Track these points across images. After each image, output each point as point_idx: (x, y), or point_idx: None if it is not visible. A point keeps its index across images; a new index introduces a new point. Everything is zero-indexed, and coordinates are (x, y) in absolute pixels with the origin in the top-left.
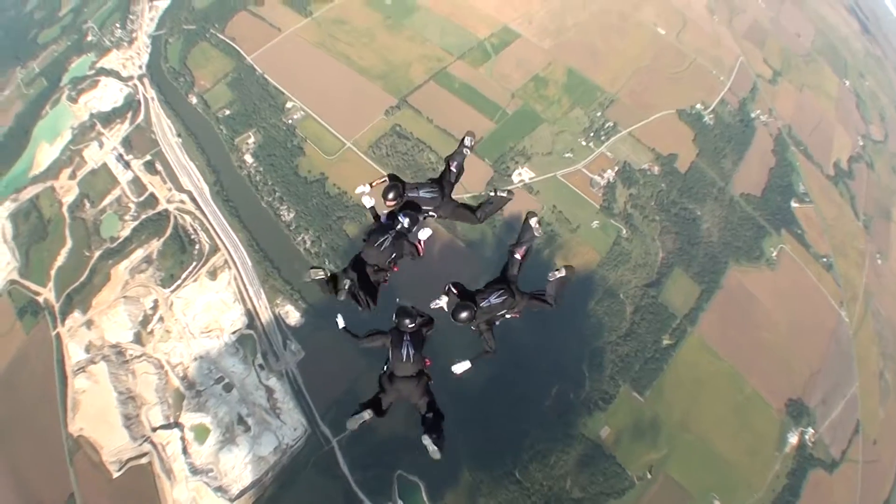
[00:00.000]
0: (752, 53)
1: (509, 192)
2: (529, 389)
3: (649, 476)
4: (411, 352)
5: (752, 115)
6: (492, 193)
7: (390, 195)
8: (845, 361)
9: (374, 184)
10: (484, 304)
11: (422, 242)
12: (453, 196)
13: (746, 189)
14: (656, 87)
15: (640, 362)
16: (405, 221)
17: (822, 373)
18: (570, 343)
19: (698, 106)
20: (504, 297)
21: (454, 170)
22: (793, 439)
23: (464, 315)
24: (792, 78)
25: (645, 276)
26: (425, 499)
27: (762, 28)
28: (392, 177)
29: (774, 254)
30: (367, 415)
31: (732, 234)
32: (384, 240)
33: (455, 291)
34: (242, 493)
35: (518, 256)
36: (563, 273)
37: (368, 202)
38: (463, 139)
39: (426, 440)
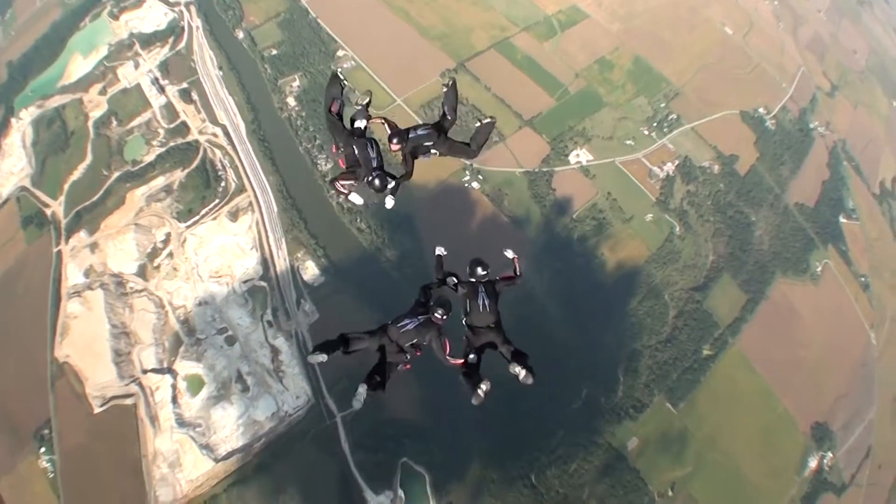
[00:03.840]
0: (813, 65)
1: (490, 117)
2: (559, 389)
3: (671, 494)
4: (487, 301)
5: (811, 126)
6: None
7: (395, 140)
8: (868, 386)
9: (373, 119)
10: (412, 135)
11: (447, 348)
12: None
13: (800, 199)
14: (721, 86)
15: (677, 372)
16: (440, 312)
17: (848, 397)
18: (607, 342)
19: (761, 110)
20: (429, 131)
21: (447, 113)
22: (812, 463)
23: (395, 140)
24: (848, 93)
25: (692, 279)
26: (428, 491)
27: (822, 41)
28: (389, 123)
29: (819, 268)
30: (485, 385)
31: (783, 244)
32: (409, 323)
33: (389, 129)
34: (230, 455)
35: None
36: (488, 120)
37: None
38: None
39: (515, 368)
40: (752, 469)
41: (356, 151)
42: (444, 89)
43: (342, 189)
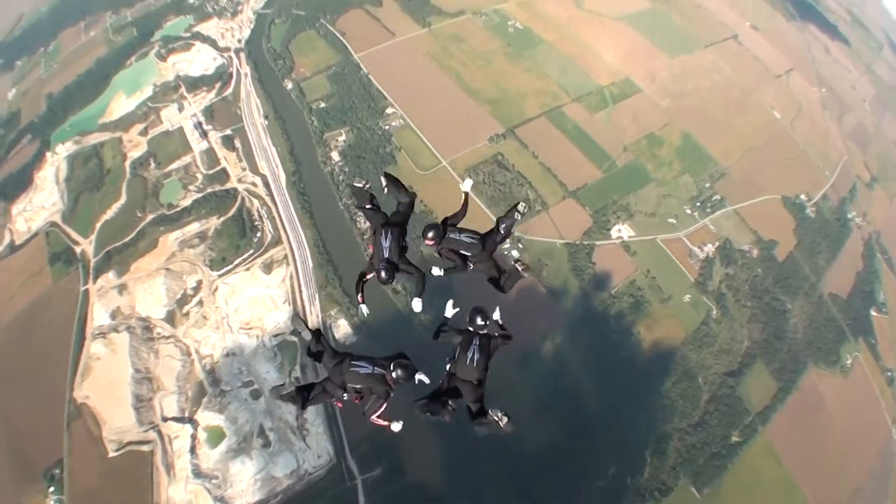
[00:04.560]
0: (855, 154)
1: (527, 267)
2: (587, 464)
3: None
4: (476, 356)
5: (849, 216)
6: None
7: (430, 234)
8: (884, 480)
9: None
10: (452, 235)
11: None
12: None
13: (834, 289)
14: (766, 170)
15: (705, 456)
16: (399, 374)
17: (863, 491)
18: (638, 421)
19: (802, 196)
20: (473, 241)
21: (502, 231)
22: None
23: (430, 233)
24: (886, 185)
25: (727, 364)
26: None
27: (866, 131)
28: (388, 179)
29: (849, 361)
30: (453, 403)
31: (816, 335)
32: (364, 367)
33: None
34: None
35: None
36: (523, 268)
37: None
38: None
39: (478, 428)
40: None
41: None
42: (517, 216)
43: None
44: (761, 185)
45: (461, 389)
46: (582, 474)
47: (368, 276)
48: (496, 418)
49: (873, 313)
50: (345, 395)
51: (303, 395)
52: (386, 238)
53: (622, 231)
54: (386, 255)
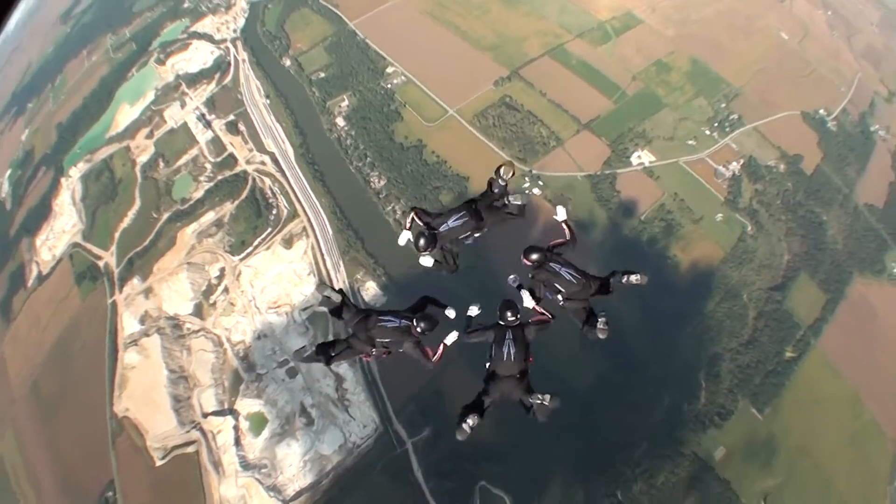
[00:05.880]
0: (869, 72)
1: (525, 199)
2: (640, 397)
3: None
4: (513, 350)
5: (872, 129)
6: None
7: (421, 243)
8: None
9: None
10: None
11: (441, 347)
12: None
13: (869, 200)
14: (780, 88)
15: (760, 375)
16: (422, 326)
17: None
18: (686, 347)
19: (821, 111)
20: (573, 280)
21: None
22: None
23: (533, 255)
24: None
25: (770, 279)
26: None
27: (877, 50)
28: (419, 212)
29: None
30: (472, 420)
31: (857, 244)
32: (391, 321)
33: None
34: (298, 494)
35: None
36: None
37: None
38: (499, 168)
39: (536, 398)
40: (843, 479)
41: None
42: (626, 280)
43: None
44: (777, 102)
45: (505, 386)
46: (636, 408)
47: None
48: (538, 401)
49: None
50: (373, 350)
51: (326, 352)
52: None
53: (642, 157)
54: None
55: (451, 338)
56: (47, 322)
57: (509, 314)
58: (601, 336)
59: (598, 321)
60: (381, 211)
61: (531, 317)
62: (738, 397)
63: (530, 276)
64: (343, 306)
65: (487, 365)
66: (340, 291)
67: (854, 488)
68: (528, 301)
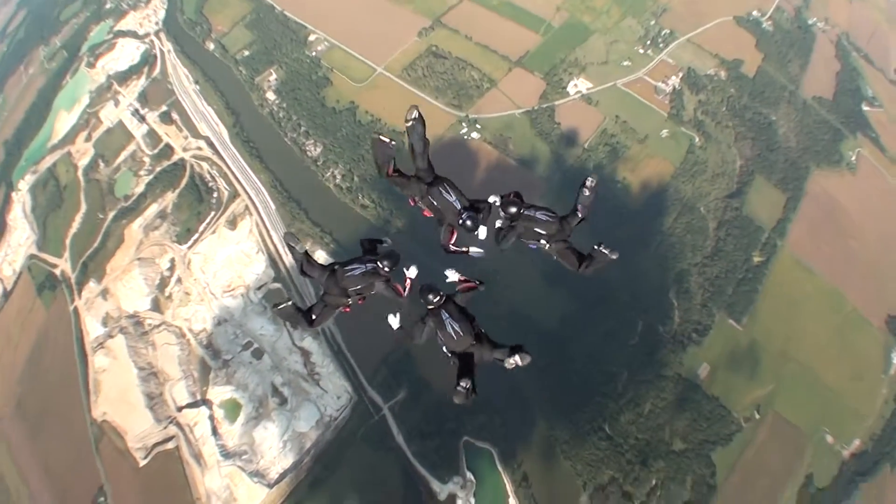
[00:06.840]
0: None
1: (612, 250)
2: (613, 326)
3: (758, 416)
4: (455, 326)
5: (810, 22)
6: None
7: (511, 210)
8: None
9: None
10: (528, 212)
11: (407, 282)
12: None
13: (817, 92)
14: None
15: (732, 285)
16: (386, 264)
17: None
18: (651, 268)
19: (755, 13)
20: (549, 219)
21: (580, 213)
22: None
23: (511, 208)
24: None
25: (725, 187)
26: (498, 466)
27: None
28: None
29: (853, 157)
30: (465, 382)
31: (810, 138)
32: (356, 268)
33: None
34: (282, 476)
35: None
36: (606, 252)
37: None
38: (585, 181)
39: (510, 359)
40: (833, 375)
41: (434, 202)
42: (586, 192)
43: (458, 249)
44: (706, 11)
45: (469, 359)
46: (610, 337)
47: (454, 238)
48: (511, 363)
49: (866, 108)
50: (349, 300)
51: (307, 316)
52: (449, 193)
53: (579, 86)
54: (459, 206)
55: (413, 272)
56: (18, 339)
57: (431, 296)
58: (587, 193)
59: (585, 181)
60: (321, 178)
61: (458, 287)
62: (713, 310)
63: (508, 226)
64: (309, 263)
65: (444, 349)
66: (305, 252)
67: (847, 383)
68: (452, 275)
